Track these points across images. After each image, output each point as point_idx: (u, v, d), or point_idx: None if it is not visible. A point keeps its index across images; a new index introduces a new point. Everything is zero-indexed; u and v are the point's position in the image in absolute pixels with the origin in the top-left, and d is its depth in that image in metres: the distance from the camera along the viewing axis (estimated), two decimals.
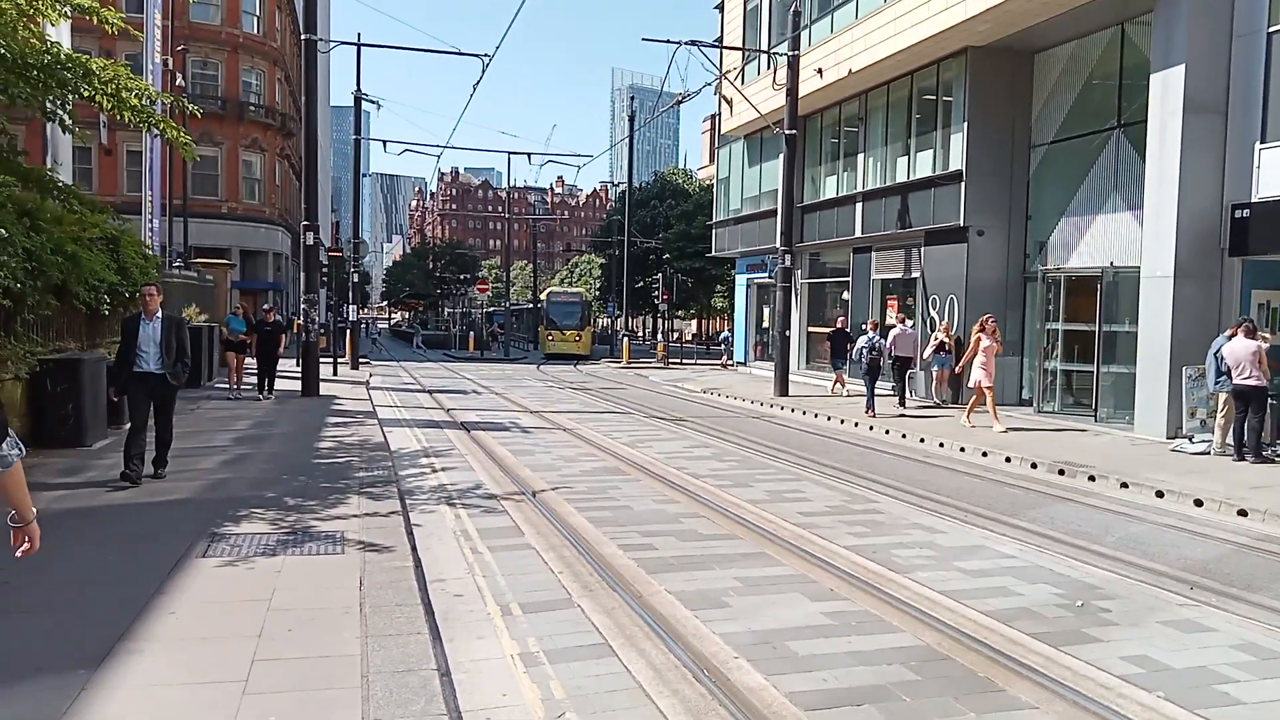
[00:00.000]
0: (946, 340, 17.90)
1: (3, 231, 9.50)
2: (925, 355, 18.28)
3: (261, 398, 17.31)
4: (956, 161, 18.42)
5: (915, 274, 20.31)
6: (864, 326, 18.38)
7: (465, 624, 5.41)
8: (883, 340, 17.49)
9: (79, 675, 4.17)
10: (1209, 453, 11.97)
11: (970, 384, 14.96)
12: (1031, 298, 18.13)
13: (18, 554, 3.52)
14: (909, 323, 18.80)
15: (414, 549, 6.79)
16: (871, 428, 15.19)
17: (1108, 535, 8.08)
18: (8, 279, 9.44)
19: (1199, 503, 9.31)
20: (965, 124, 18.11)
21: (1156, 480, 10.14)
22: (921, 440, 13.79)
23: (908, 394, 18.19)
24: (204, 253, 32.24)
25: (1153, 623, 5.66)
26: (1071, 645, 5.20)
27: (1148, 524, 8.62)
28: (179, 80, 27.99)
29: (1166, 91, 13.60)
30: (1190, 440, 12.51)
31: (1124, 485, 10.25)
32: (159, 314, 8.77)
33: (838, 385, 20.54)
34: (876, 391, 16.68)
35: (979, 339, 14.73)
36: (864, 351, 17.22)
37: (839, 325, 20.97)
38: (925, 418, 16.22)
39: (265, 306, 20.30)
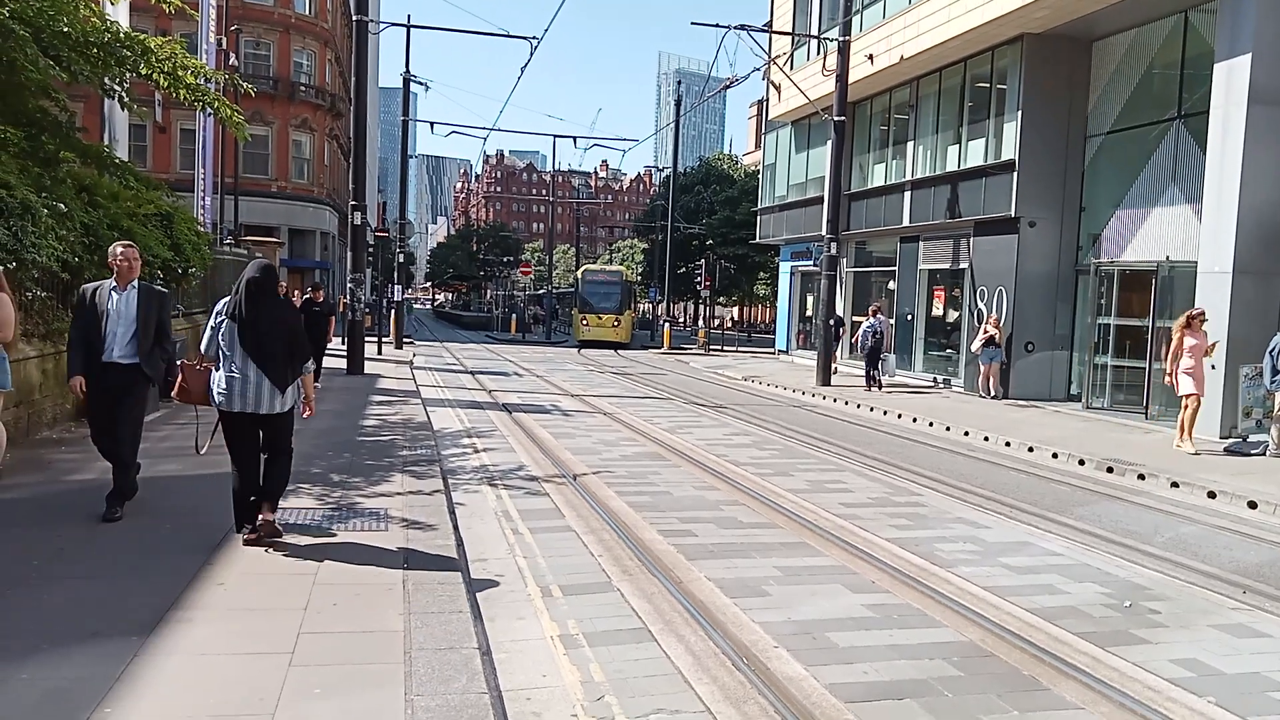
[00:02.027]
0: (996, 333, 17.58)
1: (62, 207, 9.72)
2: (974, 348, 17.97)
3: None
4: (1009, 151, 18.07)
5: (963, 265, 20.01)
6: (869, 312, 20.21)
7: (506, 604, 5.46)
8: (884, 327, 19.60)
9: (132, 641, 4.27)
10: (1264, 454, 11.67)
11: (1179, 392, 12.08)
12: (1083, 291, 17.79)
13: (304, 415, 6.32)
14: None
15: (456, 528, 6.86)
16: (915, 419, 15.03)
17: (1157, 535, 7.92)
18: (67, 253, 9.66)
19: (1253, 505, 9.08)
20: (1019, 113, 17.75)
21: (1209, 480, 9.91)
22: (966, 434, 13.61)
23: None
24: (253, 231, 32.74)
25: (1203, 626, 5.54)
26: (1119, 646, 5.11)
27: (1199, 525, 8.43)
28: (232, 60, 28.37)
29: (1231, 82, 13.20)
30: (1245, 440, 12.21)
31: (1175, 485, 10.03)
32: (135, 282, 6.57)
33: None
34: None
35: (1183, 336, 11.97)
36: (867, 336, 19.46)
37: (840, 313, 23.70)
38: (904, 394, 16.02)
39: (312, 285, 20.53)
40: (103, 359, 6.43)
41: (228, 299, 5.97)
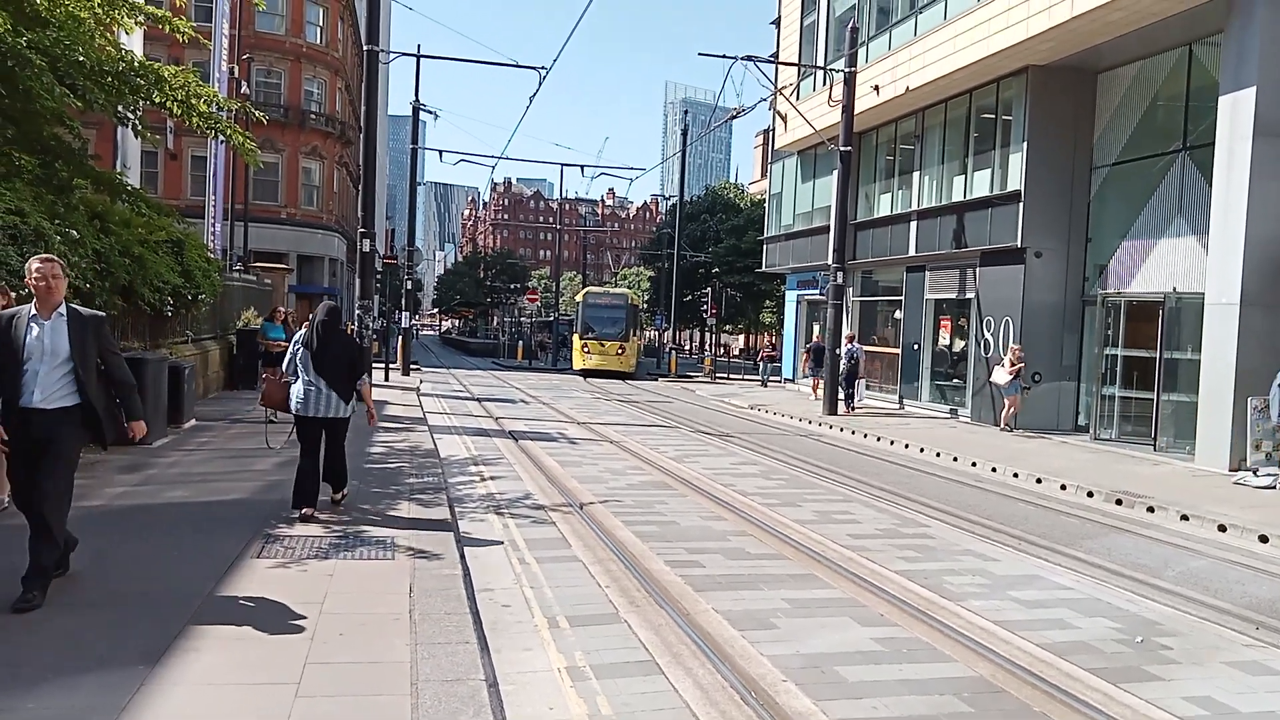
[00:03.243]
0: (1021, 365, 17.26)
1: (75, 233, 9.80)
2: (1002, 381, 17.25)
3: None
4: (1015, 181, 18.14)
5: (970, 295, 20.03)
6: (844, 339, 21.32)
7: (513, 635, 5.43)
8: (859, 354, 21.28)
9: (138, 670, 4.25)
10: (1274, 487, 11.60)
11: None
12: (1090, 322, 17.78)
13: (369, 423, 8.78)
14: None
15: (463, 557, 6.83)
16: (922, 449, 14.98)
17: (1168, 569, 7.86)
18: (78, 279, 9.72)
19: (1264, 539, 9.01)
20: (1025, 143, 17.84)
21: (1219, 514, 9.85)
22: (973, 464, 13.56)
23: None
24: (262, 257, 32.93)
25: (1216, 663, 5.48)
26: (1131, 683, 5.06)
27: (1210, 559, 8.37)
28: (244, 88, 28.69)
29: (1236, 114, 13.27)
30: (1254, 473, 12.13)
31: (1184, 518, 9.97)
32: (62, 309, 5.25)
33: (817, 390, 23.47)
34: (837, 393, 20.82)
35: None
36: (844, 360, 20.78)
37: (818, 340, 24.75)
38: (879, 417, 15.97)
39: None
40: (20, 403, 5.12)
41: (304, 331, 7.70)
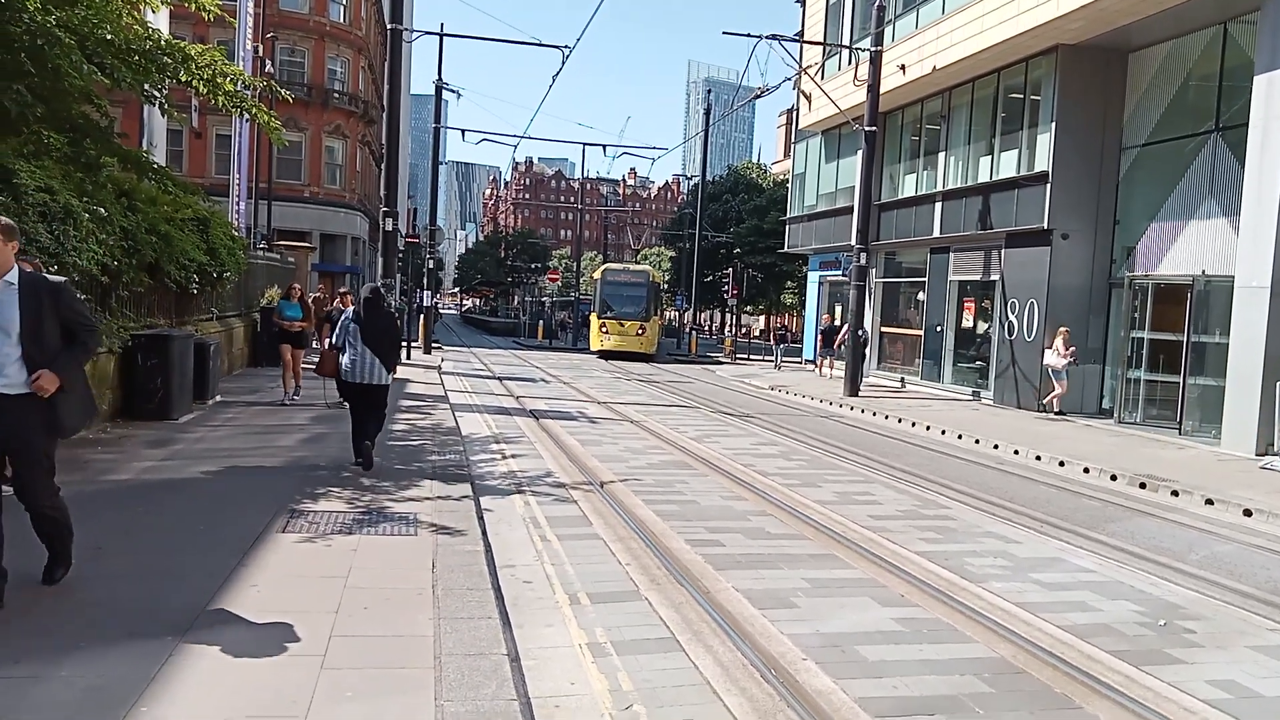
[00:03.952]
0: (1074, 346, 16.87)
1: (102, 211, 9.89)
2: (1060, 365, 16.79)
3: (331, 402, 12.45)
4: (1043, 162, 17.92)
5: (994, 276, 19.85)
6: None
7: (534, 611, 5.48)
8: (864, 334, 22.12)
9: (166, 641, 4.32)
10: None
11: None
12: (1116, 304, 17.59)
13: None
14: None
15: (485, 534, 6.89)
16: (944, 431, 14.91)
17: (1192, 553, 7.81)
18: (106, 256, 9.83)
19: None
20: (1053, 124, 17.60)
21: (1244, 498, 9.75)
22: (995, 447, 13.49)
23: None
24: (286, 235, 33.13)
25: (1240, 647, 5.45)
26: (1153, 665, 5.04)
27: (1234, 543, 8.30)
28: (268, 67, 28.73)
29: (1271, 94, 13.03)
30: None
31: (1209, 502, 9.88)
32: (11, 276, 4.51)
33: (827, 370, 25.14)
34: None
35: None
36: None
37: (827, 320, 26.69)
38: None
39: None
40: None
41: (352, 308, 8.82)
